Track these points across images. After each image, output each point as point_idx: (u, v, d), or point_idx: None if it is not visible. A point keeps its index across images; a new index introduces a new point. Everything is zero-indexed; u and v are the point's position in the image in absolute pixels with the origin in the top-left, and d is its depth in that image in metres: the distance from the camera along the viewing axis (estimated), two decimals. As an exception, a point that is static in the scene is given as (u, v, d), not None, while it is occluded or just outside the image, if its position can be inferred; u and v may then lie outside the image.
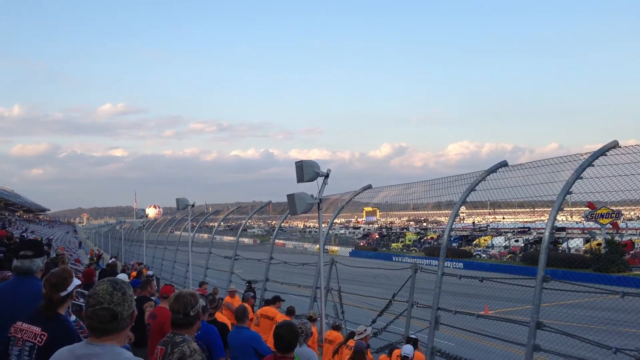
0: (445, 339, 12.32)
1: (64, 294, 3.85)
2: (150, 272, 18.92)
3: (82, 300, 16.04)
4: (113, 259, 27.66)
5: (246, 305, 9.50)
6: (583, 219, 43.98)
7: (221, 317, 8.85)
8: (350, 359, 8.68)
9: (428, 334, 10.89)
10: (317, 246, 13.64)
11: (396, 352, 8.71)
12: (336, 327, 10.72)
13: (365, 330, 9.43)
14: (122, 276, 12.38)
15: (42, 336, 3.66)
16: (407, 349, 8.34)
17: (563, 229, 49.53)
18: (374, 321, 12.75)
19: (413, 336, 9.75)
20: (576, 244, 47.50)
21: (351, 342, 9.34)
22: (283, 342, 5.06)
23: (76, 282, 4.02)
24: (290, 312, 11.37)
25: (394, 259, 51.37)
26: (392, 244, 71.12)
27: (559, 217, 9.18)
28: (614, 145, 8.70)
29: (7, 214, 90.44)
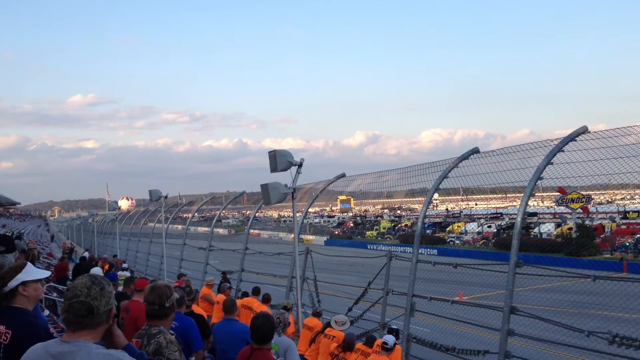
0: (420, 326, 12.43)
1: (4, 290, 3.80)
2: (125, 265, 18.78)
3: (55, 294, 15.88)
4: (86, 252, 27.39)
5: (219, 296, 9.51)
6: (554, 204, 44.55)
7: (197, 309, 8.81)
8: (340, 347, 8.80)
9: (404, 321, 10.96)
10: (292, 235, 13.65)
11: (377, 342, 8.76)
12: (317, 314, 10.76)
13: (345, 323, 9.50)
14: (97, 270, 12.26)
15: (6, 334, 3.62)
16: (389, 338, 8.37)
17: (535, 214, 50.17)
18: (350, 309, 12.80)
19: (394, 327, 9.82)
20: (548, 228, 48.16)
21: (329, 331, 9.41)
22: (259, 334, 5.06)
23: (22, 277, 3.92)
24: (266, 300, 11.39)
25: (369, 247, 51.54)
26: (367, 232, 71.37)
27: (530, 203, 9.27)
28: (584, 130, 8.81)
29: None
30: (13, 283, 3.82)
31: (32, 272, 3.96)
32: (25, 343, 2.98)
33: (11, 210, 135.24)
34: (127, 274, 12.02)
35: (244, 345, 7.07)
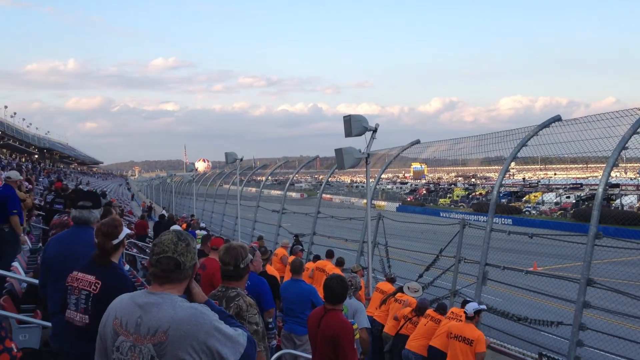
0: (492, 295, 12.32)
1: (115, 242, 4.00)
2: (202, 224, 19.34)
3: (135, 250, 16.55)
4: (164, 211, 28.30)
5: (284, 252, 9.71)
6: (638, 175, 42.77)
7: (271, 269, 9.01)
8: (413, 311, 9.01)
9: (475, 289, 10.89)
10: (364, 201, 13.67)
11: (453, 309, 8.80)
12: (391, 280, 10.84)
13: (417, 290, 9.58)
14: (176, 228, 12.69)
15: (96, 284, 3.81)
16: (470, 306, 8.28)
17: (617, 185, 48.33)
18: (420, 275, 12.79)
19: (469, 300, 9.82)
20: (630, 200, 46.33)
21: (400, 296, 9.52)
22: (333, 294, 5.14)
23: (126, 231, 4.16)
24: (339, 263, 11.51)
25: (441, 215, 51.09)
26: (440, 200, 70.69)
27: (612, 174, 8.95)
28: (674, 99, 8.38)
29: (62, 166, 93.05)
30: (122, 235, 4.06)
31: (125, 228, 4.20)
32: (113, 294, 3.12)
33: (94, 169, 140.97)
34: (205, 233, 12.38)
35: (309, 305, 7.24)
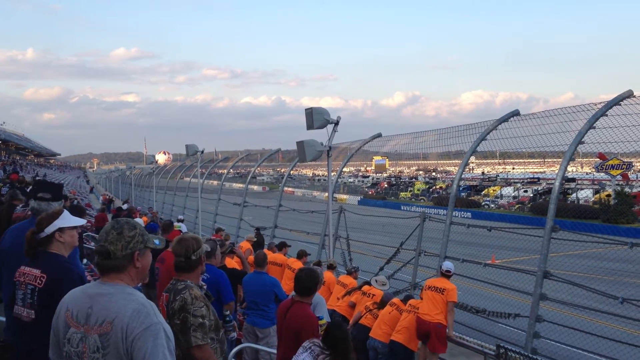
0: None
1: (41, 235, 3.88)
2: (181, 217, 19.05)
3: (93, 244, 16.23)
4: (125, 204, 27.88)
5: (266, 251, 9.67)
6: (594, 170, 43.76)
7: (230, 262, 8.93)
8: (376, 304, 9.06)
9: (435, 282, 10.99)
10: (326, 194, 13.67)
11: (411, 301, 8.88)
12: (350, 273, 10.86)
13: (385, 284, 9.66)
14: (139, 221, 12.42)
15: (41, 278, 3.69)
16: (448, 264, 8.67)
17: (573, 179, 49.38)
18: (381, 269, 12.87)
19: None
20: (585, 194, 47.39)
21: (368, 289, 9.55)
22: (302, 287, 5.13)
23: (59, 224, 3.98)
24: (299, 255, 11.42)
25: (402, 208, 51.47)
26: (401, 193, 71.22)
27: (569, 168, 9.13)
28: (629, 94, 8.58)
29: (18, 158, 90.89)
30: (50, 229, 3.90)
31: (68, 219, 4.03)
32: (59, 288, 3.04)
33: (51, 161, 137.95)
34: (183, 225, 12.17)
35: (272, 297, 7.21)
